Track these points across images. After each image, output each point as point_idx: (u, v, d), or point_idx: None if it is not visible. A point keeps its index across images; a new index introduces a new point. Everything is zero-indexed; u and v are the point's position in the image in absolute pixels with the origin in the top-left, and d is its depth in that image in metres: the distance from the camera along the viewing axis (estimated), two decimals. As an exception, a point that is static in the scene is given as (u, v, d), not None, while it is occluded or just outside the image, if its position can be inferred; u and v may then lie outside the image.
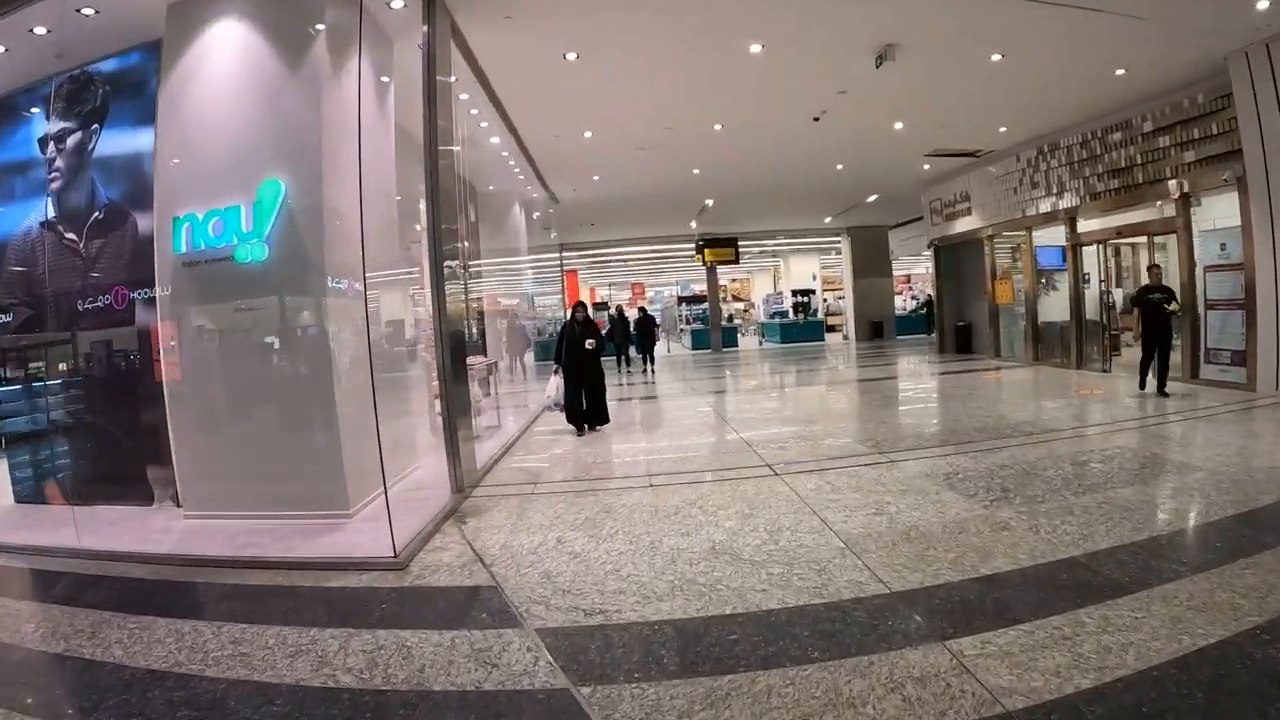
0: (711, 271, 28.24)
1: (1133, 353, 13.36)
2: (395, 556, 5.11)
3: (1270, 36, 9.24)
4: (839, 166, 16.63)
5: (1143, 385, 10.56)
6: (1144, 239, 14.41)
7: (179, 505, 6.81)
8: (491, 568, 4.89)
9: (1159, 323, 10.23)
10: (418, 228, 7.69)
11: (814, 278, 32.67)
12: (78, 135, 7.44)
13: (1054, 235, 15.20)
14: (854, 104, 11.43)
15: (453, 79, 8.71)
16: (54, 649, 4.05)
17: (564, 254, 27.52)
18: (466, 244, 15.05)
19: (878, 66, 9.42)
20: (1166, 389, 10.23)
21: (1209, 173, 10.93)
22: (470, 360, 10.01)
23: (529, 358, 19.55)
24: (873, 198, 21.51)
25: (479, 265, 14.88)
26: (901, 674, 3.18)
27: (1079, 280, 14.41)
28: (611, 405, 10.63)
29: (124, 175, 7.25)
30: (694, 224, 24.70)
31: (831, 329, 31.02)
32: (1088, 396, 10.88)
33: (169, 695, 3.42)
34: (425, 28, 7.26)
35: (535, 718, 3.08)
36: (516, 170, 14.52)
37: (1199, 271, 11.11)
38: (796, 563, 4.54)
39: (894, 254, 29.34)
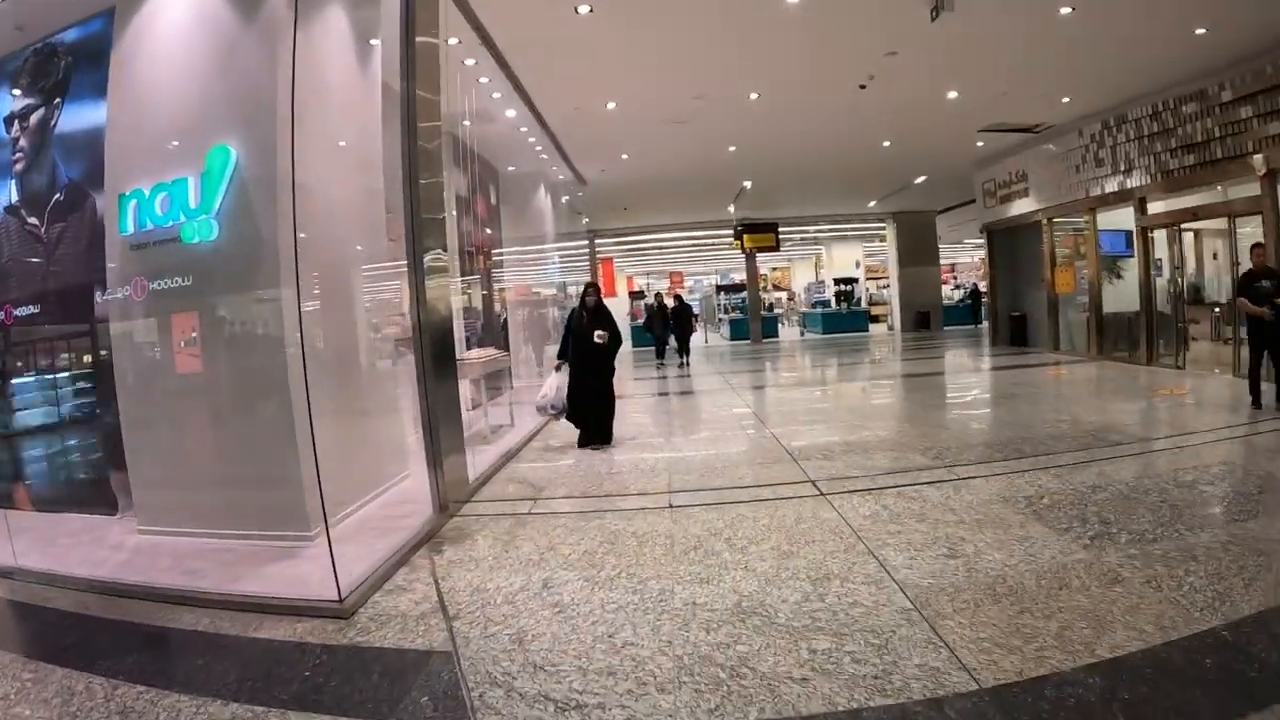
0: (750, 259, 27.17)
1: (1202, 348, 12.26)
2: (340, 601, 4.13)
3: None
4: (886, 144, 15.34)
5: (1257, 402, 8.16)
6: (1223, 221, 13.05)
7: (141, 516, 6.06)
8: (454, 622, 3.86)
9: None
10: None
11: (857, 265, 31.67)
12: (40, 112, 6.67)
13: (1118, 218, 13.92)
14: (905, 68, 10.18)
15: (450, 41, 7.77)
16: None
17: (597, 240, 26.66)
18: (489, 230, 14.29)
19: (934, 18, 8.16)
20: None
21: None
22: (475, 354, 9.05)
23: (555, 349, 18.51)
24: (920, 179, 20.15)
25: (501, 253, 14.03)
26: None
27: (1149, 267, 13.06)
28: (640, 402, 9.57)
29: (85, 152, 6.40)
30: (732, 208, 23.52)
31: (875, 319, 29.79)
32: (1168, 398, 9.61)
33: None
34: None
35: None
36: (539, 148, 13.55)
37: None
38: (849, 632, 3.43)
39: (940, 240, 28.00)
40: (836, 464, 6.74)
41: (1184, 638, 3.21)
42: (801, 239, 31.70)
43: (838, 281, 31.01)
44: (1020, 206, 16.98)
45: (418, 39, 6.21)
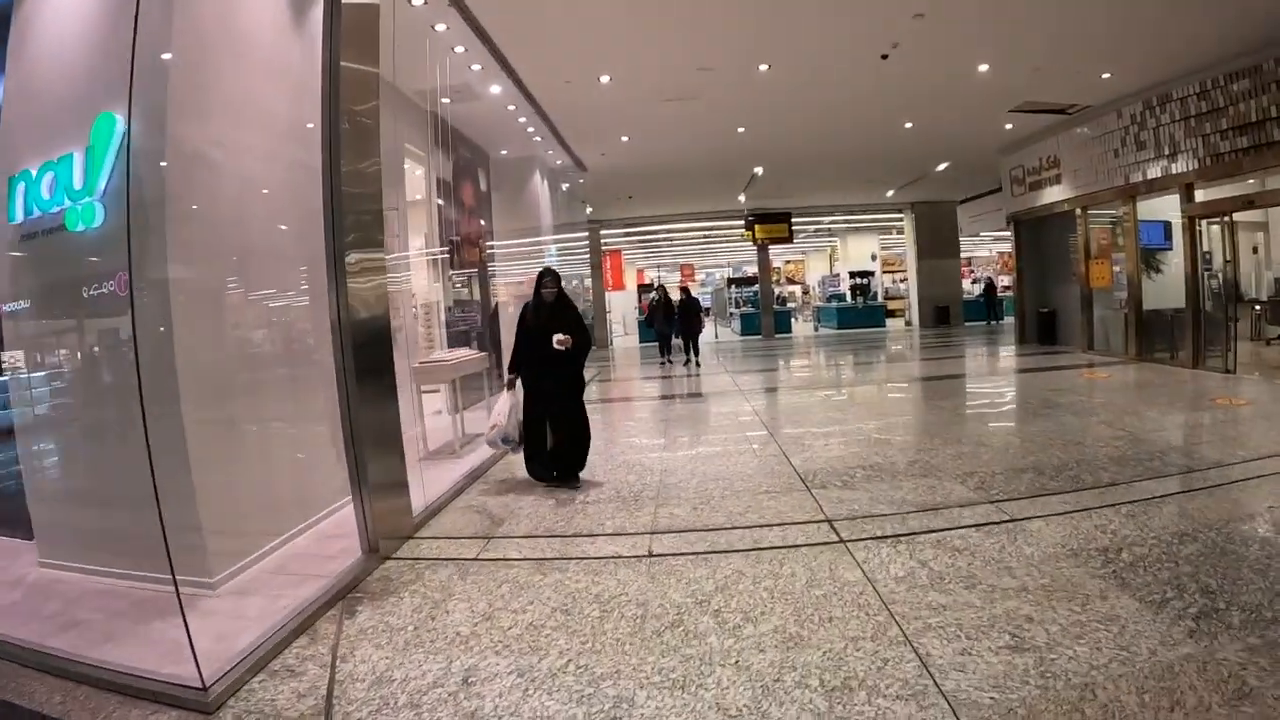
0: (762, 250, 26.10)
1: (1244, 350, 11.25)
2: (204, 689, 3.15)
3: None
4: (908, 125, 14.13)
5: None
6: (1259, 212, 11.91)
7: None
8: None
9: None
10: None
11: (873, 258, 30.55)
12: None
13: (1156, 208, 12.84)
14: (932, 34, 9.02)
15: (415, 1, 6.77)
16: None
17: (603, 231, 25.66)
18: (482, 221, 13.26)
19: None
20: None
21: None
22: (445, 356, 8.03)
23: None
24: (943, 166, 18.94)
25: (493, 244, 13.01)
26: None
27: (1197, 260, 11.86)
28: (636, 407, 8.41)
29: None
30: (742, 198, 22.34)
31: (892, 314, 28.74)
32: (1229, 409, 8.44)
33: None
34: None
35: None
36: (530, 129, 12.46)
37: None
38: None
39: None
40: (858, 495, 5.63)
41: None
42: (815, 230, 30.58)
43: (853, 275, 29.90)
44: (1051, 195, 15.76)
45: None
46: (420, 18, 7.30)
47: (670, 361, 17.79)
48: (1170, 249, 12.96)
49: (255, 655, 3.50)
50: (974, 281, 33.53)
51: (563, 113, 12.10)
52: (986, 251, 37.39)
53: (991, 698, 2.83)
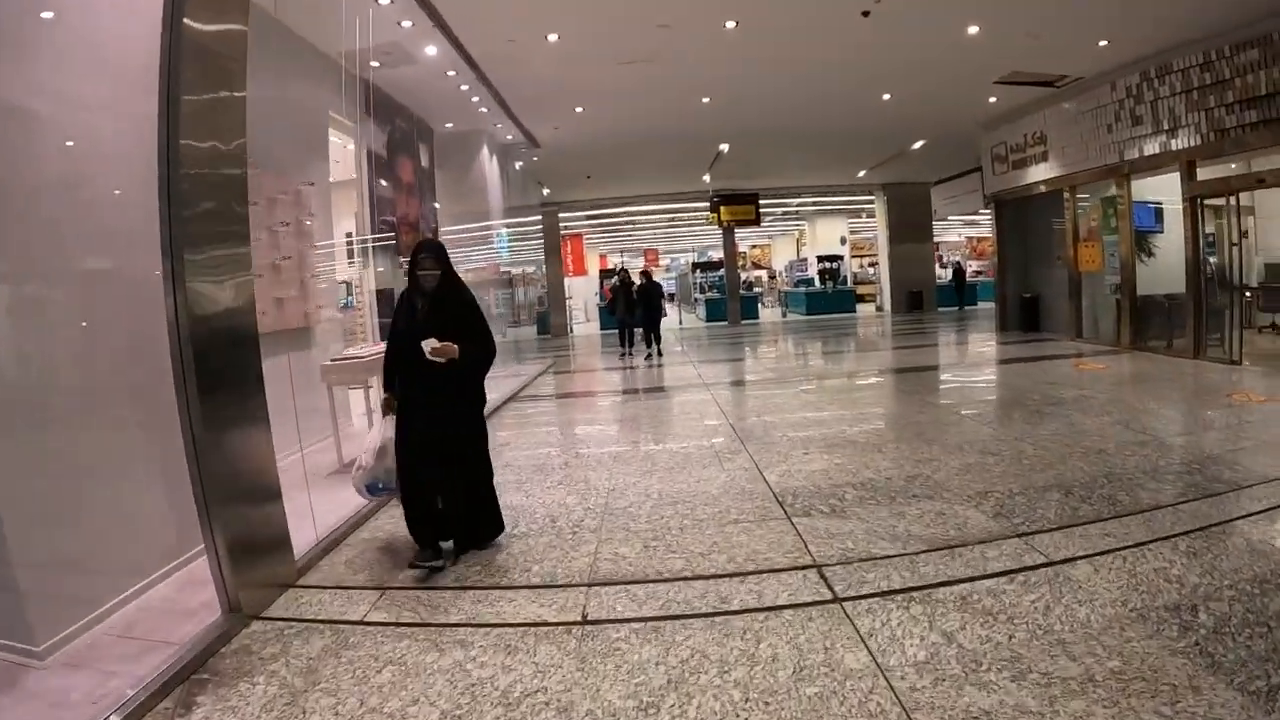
0: (728, 234, 25.15)
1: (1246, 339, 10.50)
2: None
3: None
4: (886, 96, 13.09)
5: None
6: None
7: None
8: None
9: None
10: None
11: (842, 242, 29.81)
12: None
13: (1150, 188, 12.05)
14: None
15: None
16: None
17: (562, 215, 24.55)
18: (437, 204, 12.08)
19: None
20: None
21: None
22: (358, 352, 6.86)
23: (510, 334, 16.18)
24: (919, 144, 17.95)
25: (436, 227, 11.84)
26: None
27: (1199, 243, 11.00)
28: (587, 406, 7.20)
29: None
30: (707, 177, 21.22)
31: (862, 299, 28.01)
32: (1250, 405, 7.52)
33: None
34: None
35: None
36: (475, 99, 11.26)
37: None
38: None
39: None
40: (851, 527, 4.52)
41: None
42: (783, 213, 29.74)
43: (821, 259, 29.20)
44: (1037, 173, 14.82)
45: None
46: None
47: (630, 353, 16.65)
48: (1161, 231, 12.23)
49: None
50: (943, 266, 32.91)
51: (508, 78, 10.84)
52: (955, 236, 36.75)
53: None
